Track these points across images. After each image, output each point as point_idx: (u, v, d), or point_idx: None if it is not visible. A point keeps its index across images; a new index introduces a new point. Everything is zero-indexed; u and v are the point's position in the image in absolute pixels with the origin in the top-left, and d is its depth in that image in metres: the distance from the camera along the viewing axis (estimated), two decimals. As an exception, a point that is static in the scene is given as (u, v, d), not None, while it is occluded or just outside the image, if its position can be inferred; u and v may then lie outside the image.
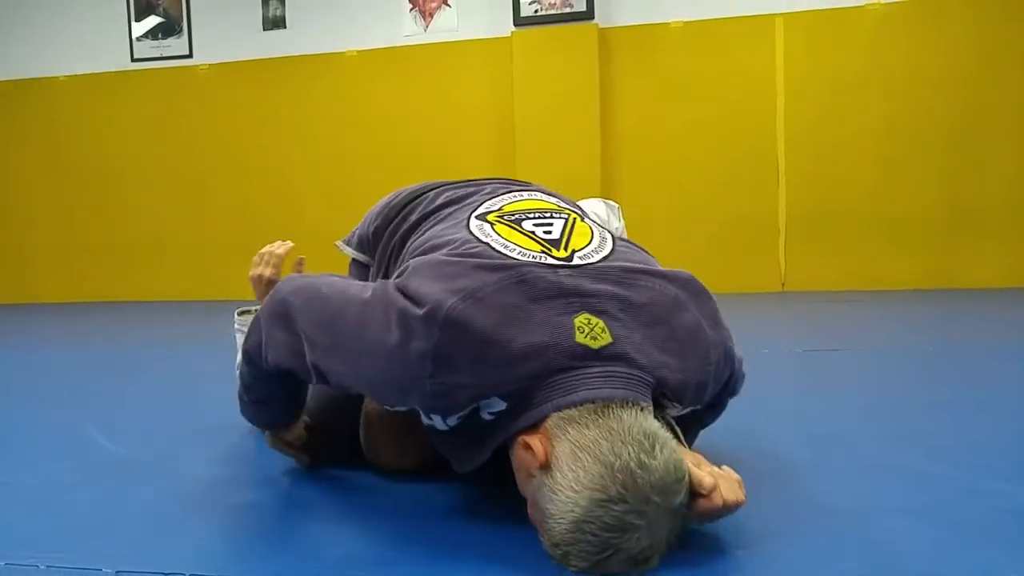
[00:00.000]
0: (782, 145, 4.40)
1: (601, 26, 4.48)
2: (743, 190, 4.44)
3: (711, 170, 4.46)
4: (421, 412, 0.99)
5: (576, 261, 1.01)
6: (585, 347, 0.92)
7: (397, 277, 1.03)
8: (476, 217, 1.14)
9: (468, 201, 1.24)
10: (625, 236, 1.42)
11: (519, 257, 1.00)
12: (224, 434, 1.63)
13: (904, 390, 1.92)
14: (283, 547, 1.02)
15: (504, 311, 0.93)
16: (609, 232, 1.14)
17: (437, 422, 0.99)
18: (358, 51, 4.85)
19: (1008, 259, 4.15)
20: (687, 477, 0.89)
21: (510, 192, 1.25)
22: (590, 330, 0.93)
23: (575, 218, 1.15)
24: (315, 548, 1.02)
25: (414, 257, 1.09)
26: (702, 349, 1.02)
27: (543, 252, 1.02)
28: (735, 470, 0.98)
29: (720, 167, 4.45)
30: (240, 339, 1.63)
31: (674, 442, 0.90)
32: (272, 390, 1.20)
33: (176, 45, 5.06)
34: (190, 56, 5.08)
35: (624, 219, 1.88)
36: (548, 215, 1.14)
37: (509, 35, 4.57)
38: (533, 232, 1.07)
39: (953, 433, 1.50)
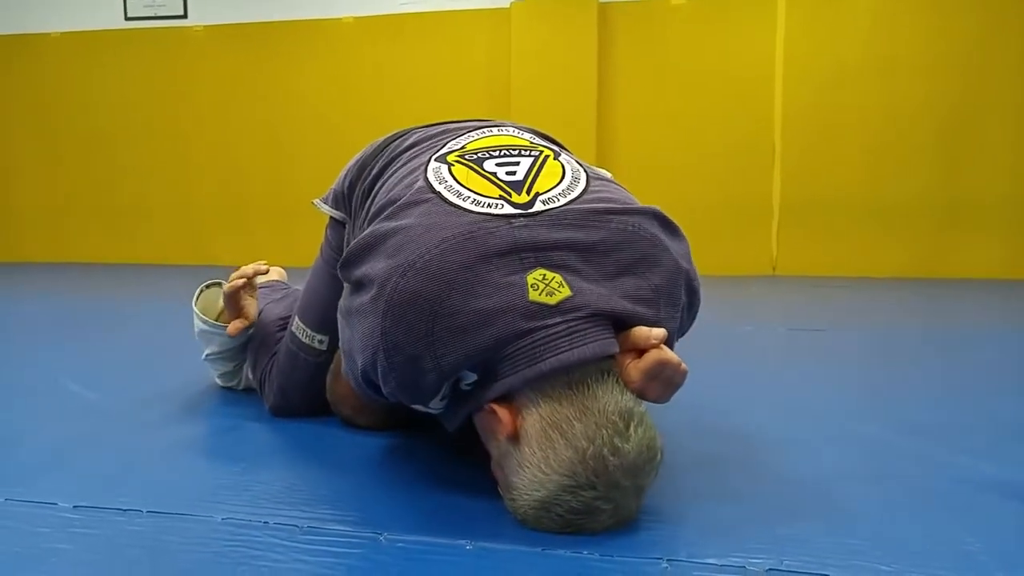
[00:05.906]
0: (778, 128, 4.38)
1: (601, 1, 4.43)
2: (738, 172, 4.42)
3: (706, 151, 4.43)
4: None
5: (537, 207, 0.92)
6: (541, 304, 0.85)
7: (345, 264, 0.98)
8: (436, 159, 1.05)
9: (433, 141, 1.15)
10: None
11: (471, 207, 0.92)
12: (198, 389, 1.63)
13: (881, 368, 1.92)
14: (242, 492, 1.02)
15: (448, 278, 0.85)
16: (587, 171, 1.04)
17: (429, 407, 0.94)
18: (355, 17, 4.79)
19: (1002, 250, 4.14)
20: (659, 454, 0.86)
21: (480, 128, 1.16)
22: (545, 286, 0.86)
23: (548, 155, 1.05)
24: (274, 494, 1.02)
25: (370, 219, 1.04)
26: (676, 295, 0.95)
27: (501, 198, 0.93)
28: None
29: (715, 149, 4.42)
30: (197, 322, 1.50)
31: (647, 415, 0.86)
32: None
33: (170, 5, 4.99)
34: (184, 16, 5.01)
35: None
36: (517, 152, 1.04)
37: (508, 7, 4.52)
38: (494, 174, 0.98)
39: (923, 410, 1.50)
